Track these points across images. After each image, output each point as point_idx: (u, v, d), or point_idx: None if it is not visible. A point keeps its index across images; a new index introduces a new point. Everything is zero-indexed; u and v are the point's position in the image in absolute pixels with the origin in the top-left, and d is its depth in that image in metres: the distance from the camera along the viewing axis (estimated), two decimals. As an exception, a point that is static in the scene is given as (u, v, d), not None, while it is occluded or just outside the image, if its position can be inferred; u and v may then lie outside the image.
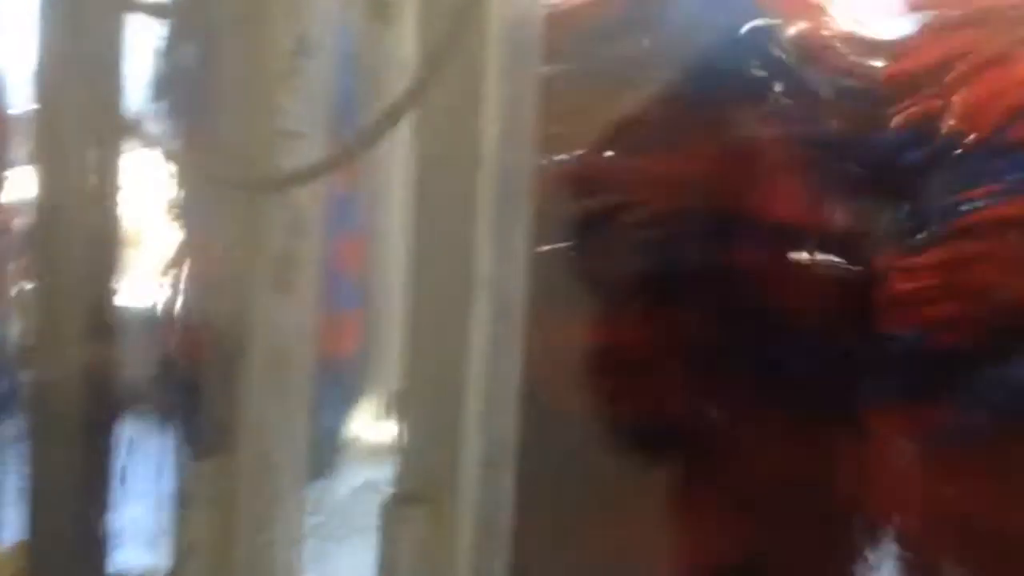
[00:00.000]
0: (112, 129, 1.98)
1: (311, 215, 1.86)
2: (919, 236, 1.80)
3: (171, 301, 3.28)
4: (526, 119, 1.65)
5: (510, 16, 1.61)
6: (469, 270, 1.62)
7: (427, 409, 1.68)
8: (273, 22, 1.81)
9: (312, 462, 4.14)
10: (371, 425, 5.44)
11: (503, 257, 1.66)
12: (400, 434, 1.73)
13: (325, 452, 4.18)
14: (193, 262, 2.09)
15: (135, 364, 2.33)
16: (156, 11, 2.03)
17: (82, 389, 2.03)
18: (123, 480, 2.25)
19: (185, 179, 2.06)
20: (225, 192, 1.80)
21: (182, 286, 2.24)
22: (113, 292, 2.18)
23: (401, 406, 1.85)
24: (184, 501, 1.97)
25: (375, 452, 5.01)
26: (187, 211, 2.11)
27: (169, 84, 2.07)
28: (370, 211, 4.34)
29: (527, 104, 1.65)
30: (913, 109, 1.86)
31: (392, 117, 1.61)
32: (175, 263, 3.35)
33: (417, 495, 1.66)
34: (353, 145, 1.65)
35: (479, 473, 1.64)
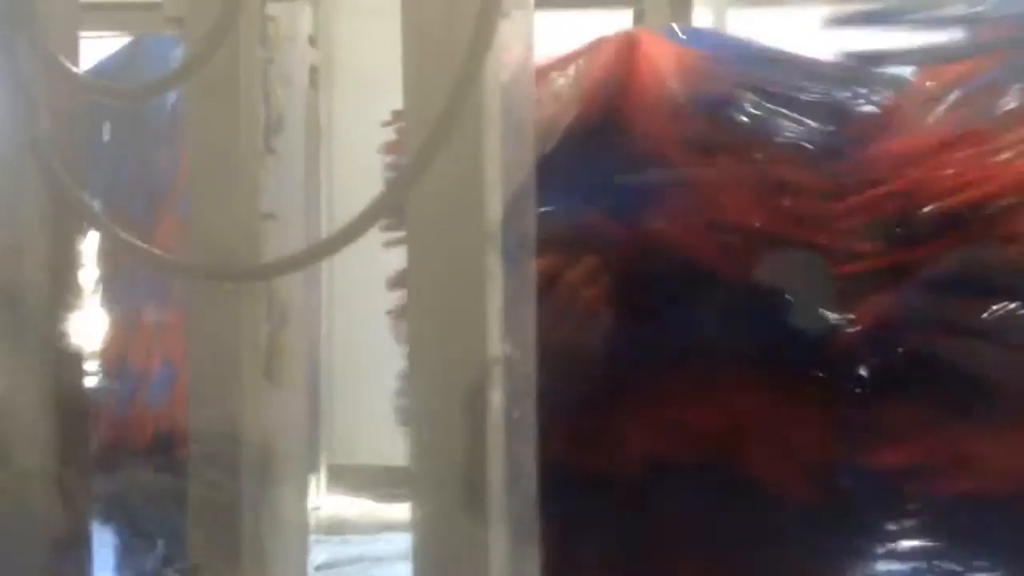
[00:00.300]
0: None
1: (296, 302, 1.77)
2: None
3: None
4: (528, 188, 1.59)
5: (505, 82, 1.55)
6: (483, 350, 1.55)
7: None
8: (245, 98, 1.73)
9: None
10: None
11: (515, 334, 1.59)
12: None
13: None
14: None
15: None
16: (117, 94, 1.93)
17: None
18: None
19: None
20: (207, 282, 1.69)
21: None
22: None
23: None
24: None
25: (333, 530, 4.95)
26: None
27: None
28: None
29: (528, 172, 1.59)
30: None
31: (390, 199, 1.54)
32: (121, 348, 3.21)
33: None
34: (348, 231, 1.57)
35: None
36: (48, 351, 1.79)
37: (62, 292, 1.79)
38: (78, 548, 1.87)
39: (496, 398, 1.55)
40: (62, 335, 1.80)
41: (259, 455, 1.73)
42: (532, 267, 1.62)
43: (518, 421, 1.58)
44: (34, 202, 1.76)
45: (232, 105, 1.71)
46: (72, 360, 1.82)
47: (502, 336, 1.55)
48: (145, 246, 1.70)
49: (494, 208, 1.54)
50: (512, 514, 1.57)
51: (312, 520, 4.99)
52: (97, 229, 1.74)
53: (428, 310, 1.58)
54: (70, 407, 1.81)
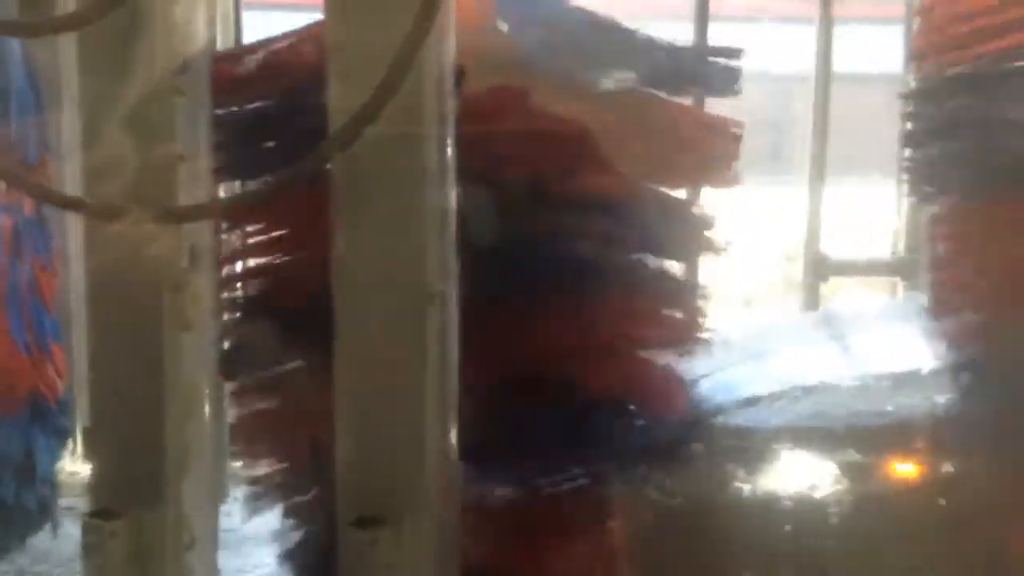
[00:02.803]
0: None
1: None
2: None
3: None
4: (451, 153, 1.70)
5: (436, 59, 1.65)
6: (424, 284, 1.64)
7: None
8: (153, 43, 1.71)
9: (34, 511, 3.86)
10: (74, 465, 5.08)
11: (445, 273, 1.69)
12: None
13: (46, 499, 3.88)
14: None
15: None
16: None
17: None
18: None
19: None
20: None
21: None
22: None
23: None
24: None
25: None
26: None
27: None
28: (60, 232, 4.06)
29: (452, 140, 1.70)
30: None
31: (328, 152, 1.59)
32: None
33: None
34: (283, 179, 1.60)
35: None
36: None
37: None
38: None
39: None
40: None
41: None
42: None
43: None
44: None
45: (144, 43, 1.69)
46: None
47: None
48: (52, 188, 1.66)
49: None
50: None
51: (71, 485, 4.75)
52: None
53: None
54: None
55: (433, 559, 1.67)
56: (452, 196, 1.71)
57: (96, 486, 1.76)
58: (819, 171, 5.02)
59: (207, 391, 1.77)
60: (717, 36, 4.92)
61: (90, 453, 1.81)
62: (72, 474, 4.75)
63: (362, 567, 1.63)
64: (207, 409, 1.78)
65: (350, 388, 1.70)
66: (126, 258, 1.71)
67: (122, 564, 1.71)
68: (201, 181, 1.75)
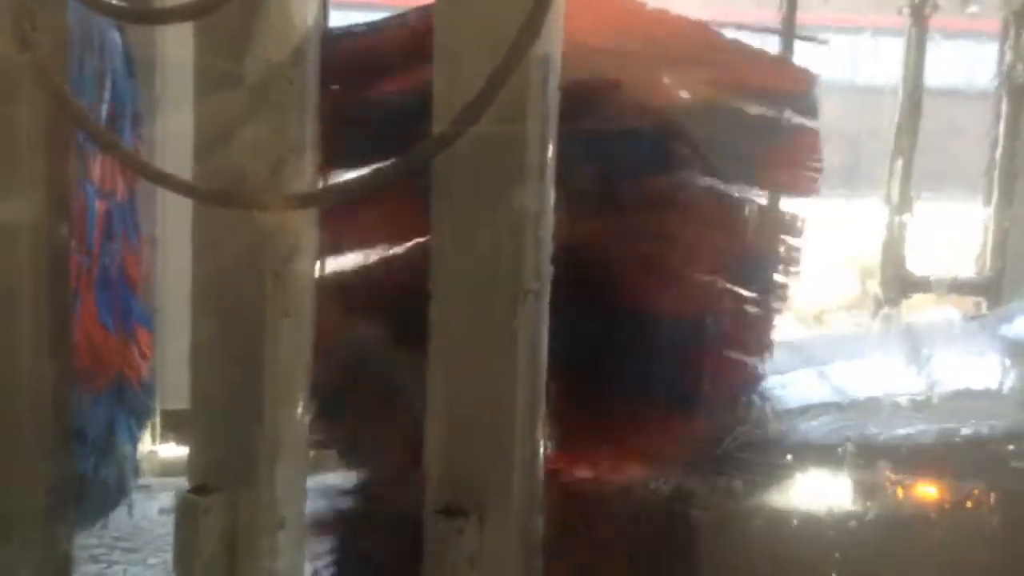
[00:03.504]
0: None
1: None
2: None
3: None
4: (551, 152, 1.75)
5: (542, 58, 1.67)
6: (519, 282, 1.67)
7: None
8: (267, 34, 1.75)
9: (113, 488, 3.95)
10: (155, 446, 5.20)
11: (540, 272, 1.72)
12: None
13: (125, 476, 3.97)
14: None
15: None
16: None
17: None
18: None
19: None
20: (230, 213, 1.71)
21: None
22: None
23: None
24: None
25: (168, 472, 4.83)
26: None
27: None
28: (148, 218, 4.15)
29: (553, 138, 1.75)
30: None
31: (431, 150, 1.62)
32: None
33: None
34: (388, 172, 1.63)
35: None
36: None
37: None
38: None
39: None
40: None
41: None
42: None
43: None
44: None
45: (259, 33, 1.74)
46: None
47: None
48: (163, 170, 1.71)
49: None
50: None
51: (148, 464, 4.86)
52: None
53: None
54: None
55: (517, 552, 1.69)
56: (551, 195, 1.74)
57: (193, 464, 1.81)
58: (905, 185, 4.97)
59: (303, 377, 1.82)
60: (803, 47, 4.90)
61: (189, 433, 1.86)
62: (150, 453, 4.87)
63: (446, 556, 1.66)
64: (302, 394, 1.82)
65: (443, 381, 1.73)
66: (232, 244, 1.76)
67: (213, 540, 1.76)
68: (307, 170, 1.79)
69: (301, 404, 1.84)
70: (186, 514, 1.77)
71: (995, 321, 3.90)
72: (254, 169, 1.74)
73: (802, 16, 4.93)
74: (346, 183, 1.79)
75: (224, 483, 1.76)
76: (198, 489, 1.76)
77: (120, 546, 4.07)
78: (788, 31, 4.83)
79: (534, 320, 1.74)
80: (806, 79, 2.41)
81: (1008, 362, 3.47)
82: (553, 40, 1.69)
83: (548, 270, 1.75)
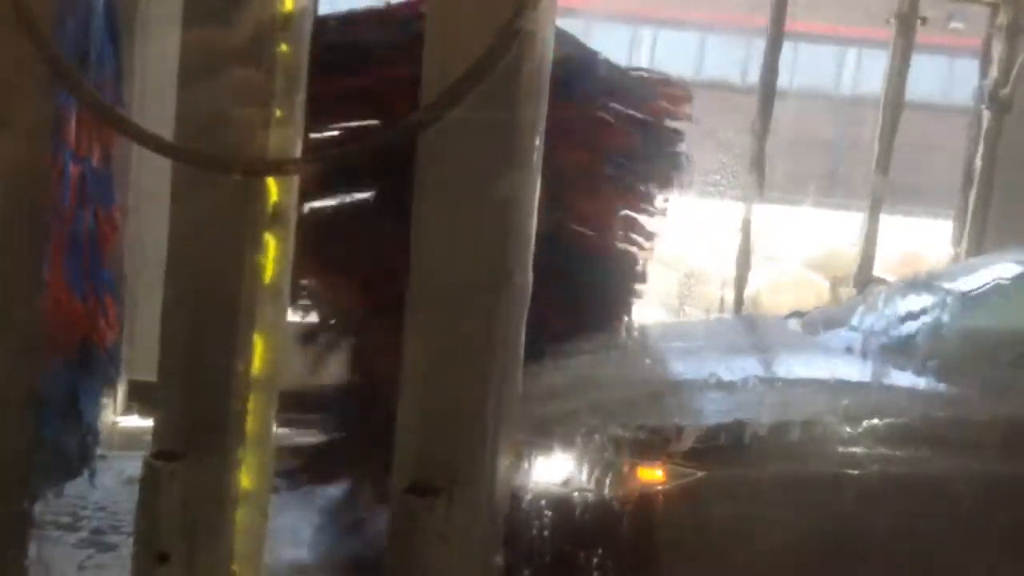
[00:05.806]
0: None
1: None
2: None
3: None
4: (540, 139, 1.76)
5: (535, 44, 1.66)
6: (502, 265, 1.67)
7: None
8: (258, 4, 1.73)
9: (73, 457, 3.90)
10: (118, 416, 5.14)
11: (522, 256, 1.72)
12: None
13: (87, 445, 3.92)
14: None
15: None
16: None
17: None
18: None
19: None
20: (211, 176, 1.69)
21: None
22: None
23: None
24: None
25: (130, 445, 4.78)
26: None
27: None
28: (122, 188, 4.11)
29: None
30: None
31: (413, 127, 1.61)
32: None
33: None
34: (375, 137, 1.62)
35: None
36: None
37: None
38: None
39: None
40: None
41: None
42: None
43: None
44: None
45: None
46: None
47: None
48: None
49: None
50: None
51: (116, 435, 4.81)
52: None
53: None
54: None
55: (485, 528, 1.69)
56: (537, 181, 1.73)
57: (160, 430, 1.79)
58: (879, 195, 5.00)
59: (280, 348, 1.80)
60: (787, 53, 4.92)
61: (157, 397, 1.84)
62: (112, 425, 4.82)
63: (413, 533, 1.65)
64: (276, 365, 1.81)
65: (418, 357, 1.73)
66: (211, 209, 1.74)
67: (175, 505, 1.74)
68: (293, 139, 1.78)
69: (276, 374, 1.82)
70: (150, 479, 1.75)
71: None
72: (237, 133, 1.72)
73: (791, 23, 4.95)
74: (328, 151, 1.78)
75: (188, 450, 1.74)
76: (163, 454, 1.75)
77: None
78: (776, 36, 4.85)
79: (513, 304, 1.74)
80: None
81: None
82: (546, 21, 1.68)
83: (530, 255, 1.75)
